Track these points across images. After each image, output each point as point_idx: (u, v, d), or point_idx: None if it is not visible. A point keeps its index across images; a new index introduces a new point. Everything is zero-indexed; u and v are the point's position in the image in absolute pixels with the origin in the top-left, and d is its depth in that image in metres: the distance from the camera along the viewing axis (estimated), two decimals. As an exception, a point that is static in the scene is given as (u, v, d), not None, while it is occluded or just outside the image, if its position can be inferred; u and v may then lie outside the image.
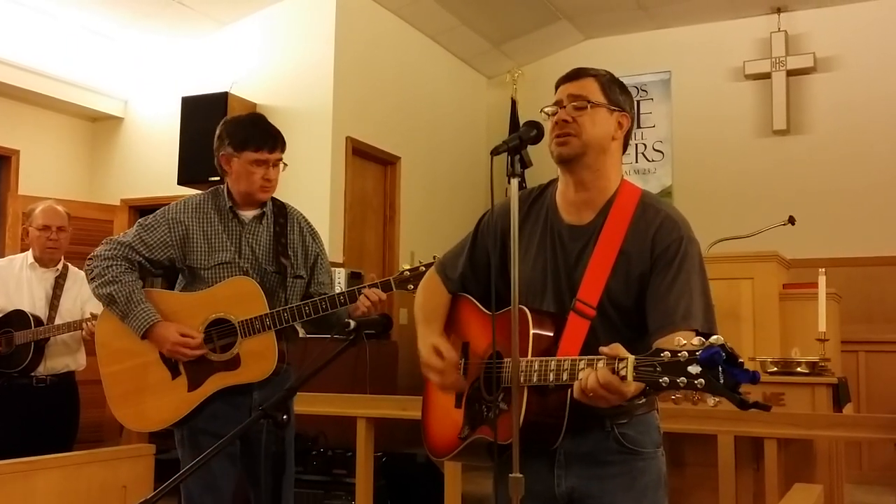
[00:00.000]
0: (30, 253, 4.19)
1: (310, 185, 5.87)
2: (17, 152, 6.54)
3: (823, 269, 4.12)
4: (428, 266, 2.58)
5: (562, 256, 1.91)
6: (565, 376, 1.69)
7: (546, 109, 1.94)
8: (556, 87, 1.96)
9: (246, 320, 2.68)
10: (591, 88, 1.91)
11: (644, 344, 1.68)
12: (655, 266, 1.83)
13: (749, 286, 4.35)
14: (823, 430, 3.48)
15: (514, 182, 1.79)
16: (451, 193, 7.62)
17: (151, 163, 6.85)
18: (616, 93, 1.93)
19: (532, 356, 1.77)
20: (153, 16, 6.37)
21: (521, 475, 1.66)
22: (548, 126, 1.91)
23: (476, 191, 7.80)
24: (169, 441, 2.92)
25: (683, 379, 1.48)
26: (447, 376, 1.96)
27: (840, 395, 3.86)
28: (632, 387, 1.57)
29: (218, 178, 2.92)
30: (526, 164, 1.81)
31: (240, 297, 2.71)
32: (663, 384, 1.50)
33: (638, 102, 7.58)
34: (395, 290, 2.77)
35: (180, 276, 2.83)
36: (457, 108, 7.93)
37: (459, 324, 2.07)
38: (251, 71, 6.46)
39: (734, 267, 4.38)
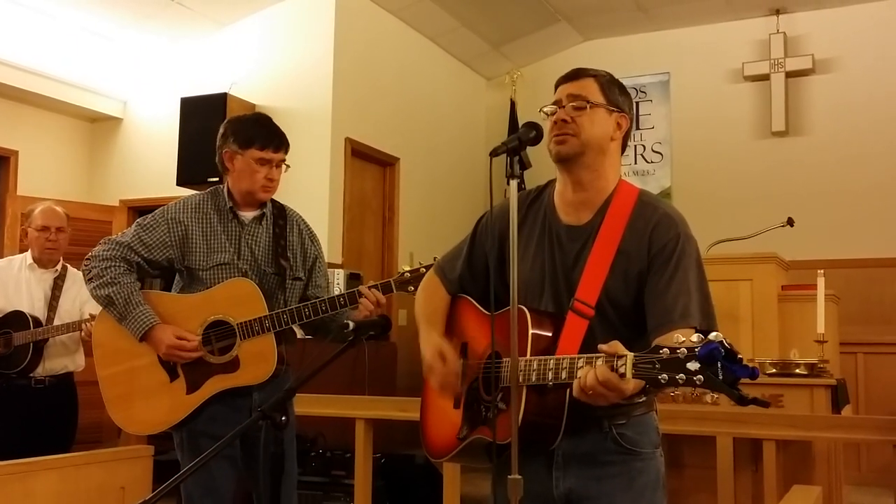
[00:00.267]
0: (29, 254, 4.19)
1: (309, 185, 5.86)
2: (15, 153, 6.54)
3: (822, 271, 4.12)
4: (428, 268, 2.57)
5: (560, 257, 1.91)
6: (564, 375, 1.69)
7: (545, 109, 1.94)
8: (556, 87, 1.96)
9: (245, 322, 2.67)
10: (591, 89, 1.91)
11: (643, 343, 1.68)
12: (653, 264, 1.83)
13: (748, 287, 4.35)
14: (822, 431, 3.47)
15: (513, 183, 1.79)
16: (450, 195, 7.62)
17: (150, 163, 6.85)
18: (615, 93, 1.93)
19: (531, 356, 1.77)
20: (152, 16, 6.37)
21: (519, 476, 1.65)
22: (547, 125, 1.91)
23: (475, 192, 7.81)
24: (167, 442, 2.91)
25: (682, 375, 1.47)
26: (448, 380, 1.96)
27: (839, 396, 3.87)
28: (631, 384, 1.57)
29: (217, 179, 2.91)
30: (525, 165, 1.81)
31: (238, 299, 2.69)
32: (662, 381, 1.50)
33: (637, 104, 7.58)
34: (395, 291, 2.77)
35: (178, 277, 2.82)
36: (456, 109, 7.94)
37: (458, 324, 2.07)
38: (250, 72, 6.46)
39: (733, 268, 4.38)
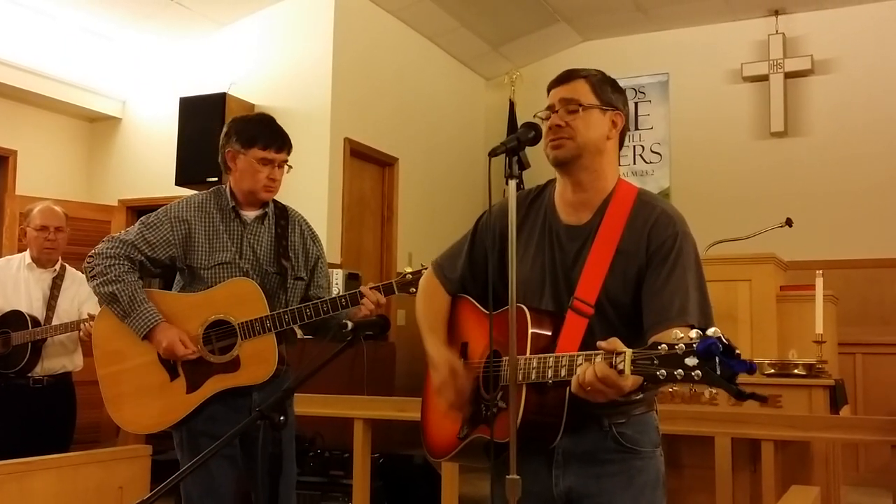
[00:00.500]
0: (27, 253, 4.18)
1: (308, 185, 5.86)
2: (14, 152, 6.54)
3: (821, 271, 4.13)
4: (429, 269, 2.58)
5: (560, 256, 1.92)
6: (564, 372, 1.69)
7: (539, 114, 1.95)
8: (548, 91, 1.96)
9: (246, 322, 2.67)
10: (582, 91, 1.91)
11: (642, 341, 1.68)
12: (651, 262, 1.84)
13: (746, 288, 4.35)
14: (820, 431, 3.47)
15: (512, 183, 1.80)
16: (449, 195, 7.63)
17: (149, 163, 6.85)
18: (608, 92, 1.94)
19: (530, 354, 1.77)
20: (151, 16, 6.37)
21: (517, 476, 1.65)
22: (543, 129, 1.91)
23: (474, 192, 7.81)
24: (166, 442, 2.91)
25: (681, 371, 1.47)
26: (459, 401, 1.94)
27: (837, 396, 3.87)
28: (629, 380, 1.57)
29: (216, 179, 2.91)
30: (524, 165, 1.81)
31: (240, 299, 2.70)
32: (660, 377, 1.50)
33: (636, 104, 7.59)
34: (397, 293, 2.77)
35: (178, 276, 2.82)
36: (455, 109, 7.94)
37: (458, 324, 2.07)
38: (249, 72, 6.46)
39: (732, 269, 4.38)
